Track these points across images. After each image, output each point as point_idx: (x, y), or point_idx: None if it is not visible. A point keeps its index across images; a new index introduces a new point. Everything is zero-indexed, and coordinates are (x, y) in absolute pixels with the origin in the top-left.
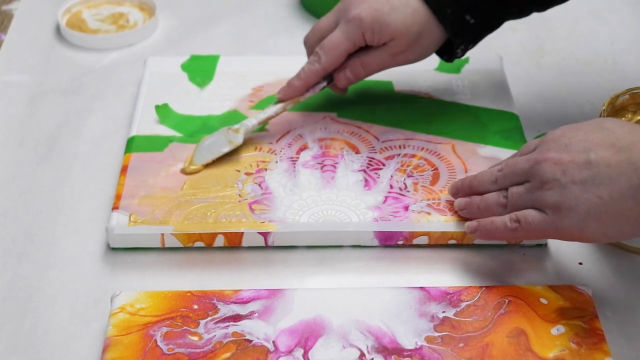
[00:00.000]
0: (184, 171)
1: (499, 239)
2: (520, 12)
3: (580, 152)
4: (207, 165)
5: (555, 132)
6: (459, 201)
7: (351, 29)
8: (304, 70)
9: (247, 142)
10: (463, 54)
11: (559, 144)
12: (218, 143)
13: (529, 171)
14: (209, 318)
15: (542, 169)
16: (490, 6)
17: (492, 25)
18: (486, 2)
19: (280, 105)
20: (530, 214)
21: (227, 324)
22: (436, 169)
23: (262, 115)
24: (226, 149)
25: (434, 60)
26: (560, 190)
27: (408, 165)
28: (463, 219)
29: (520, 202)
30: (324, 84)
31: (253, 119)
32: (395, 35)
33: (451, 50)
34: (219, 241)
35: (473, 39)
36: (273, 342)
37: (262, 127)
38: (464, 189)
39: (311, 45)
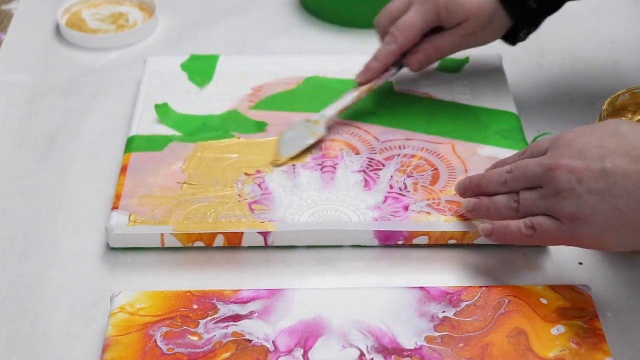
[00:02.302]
0: (274, 164)
1: (513, 243)
2: None
3: (596, 160)
4: (293, 159)
5: (568, 136)
6: (468, 202)
7: (427, 8)
8: (380, 52)
9: (247, 141)
10: (526, 38)
11: (573, 150)
12: (301, 136)
13: (542, 177)
14: (209, 318)
15: (556, 177)
16: None
17: (553, 8)
18: None
19: (355, 94)
20: (546, 222)
21: (227, 324)
22: (436, 169)
23: (340, 104)
24: (311, 141)
25: None
26: (577, 200)
27: (408, 166)
28: (463, 219)
29: (533, 208)
30: (395, 70)
31: (331, 109)
32: (469, 16)
33: (515, 34)
34: (219, 241)
35: (535, 22)
36: (273, 342)
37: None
38: (472, 189)
39: (384, 26)
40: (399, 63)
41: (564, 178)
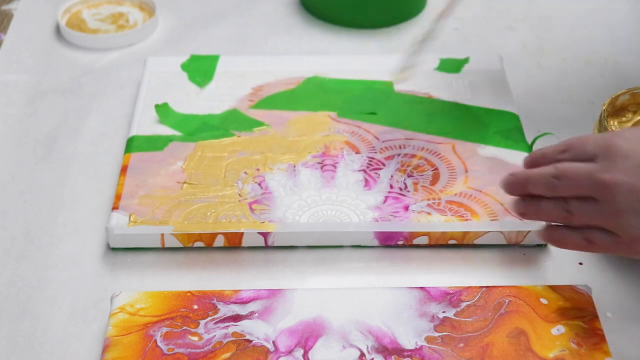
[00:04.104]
0: (396, 78)
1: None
2: None
3: None
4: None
5: (621, 145)
6: (517, 205)
7: None
8: None
9: (247, 141)
10: None
11: (630, 165)
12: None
13: (597, 191)
14: (209, 318)
15: (614, 196)
16: None
17: None
18: None
19: None
20: (603, 237)
21: (227, 324)
22: (436, 169)
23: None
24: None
25: (434, 60)
26: (638, 221)
27: (408, 165)
28: (464, 219)
29: (589, 221)
30: None
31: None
32: None
33: None
34: (219, 241)
35: None
36: (273, 342)
37: None
38: (516, 188)
39: None
40: None
41: (624, 199)
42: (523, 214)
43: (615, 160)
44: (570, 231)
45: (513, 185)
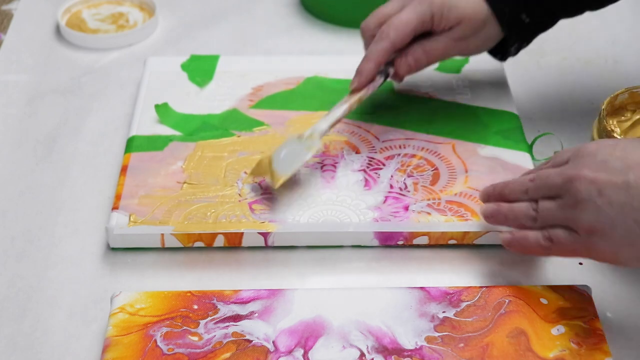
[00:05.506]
0: (273, 186)
1: (533, 254)
2: (576, 11)
3: (618, 172)
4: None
5: (591, 146)
6: (486, 207)
7: (422, 8)
8: (371, 51)
9: (247, 141)
10: (516, 53)
11: (595, 161)
12: (296, 152)
13: (562, 187)
14: (209, 318)
15: (576, 187)
16: (546, 6)
17: (546, 24)
18: (543, 1)
19: (345, 106)
20: (563, 235)
21: (227, 324)
22: (436, 168)
23: (331, 117)
24: (309, 156)
25: None
26: (596, 212)
27: (408, 165)
28: (464, 219)
29: (551, 218)
30: (382, 80)
31: (323, 123)
32: (462, 19)
33: (505, 49)
34: (219, 241)
35: (527, 38)
36: (273, 342)
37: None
38: (495, 196)
39: (373, 28)
40: (385, 71)
41: (584, 189)
42: (491, 217)
43: (583, 158)
44: (531, 231)
45: (492, 193)
